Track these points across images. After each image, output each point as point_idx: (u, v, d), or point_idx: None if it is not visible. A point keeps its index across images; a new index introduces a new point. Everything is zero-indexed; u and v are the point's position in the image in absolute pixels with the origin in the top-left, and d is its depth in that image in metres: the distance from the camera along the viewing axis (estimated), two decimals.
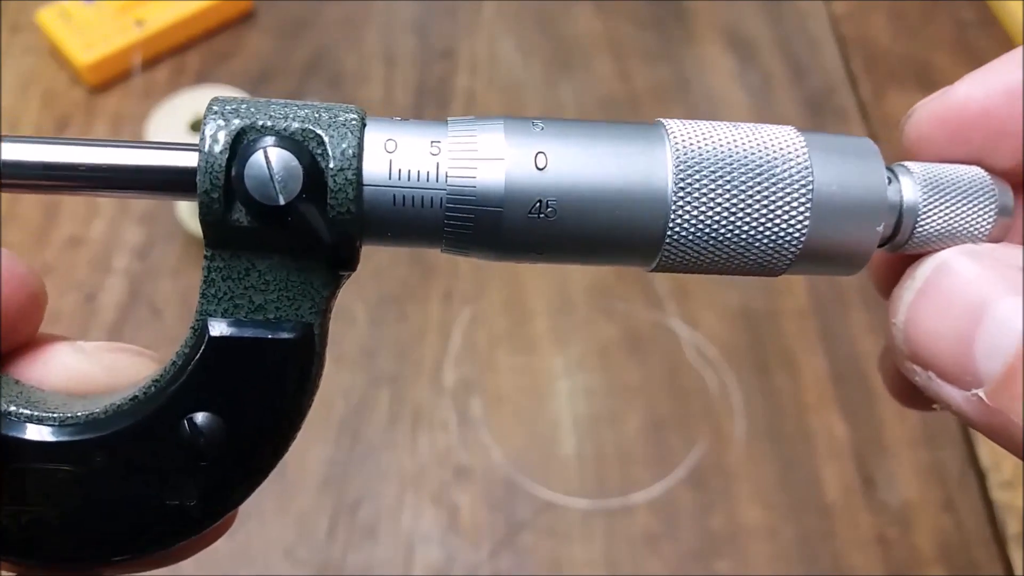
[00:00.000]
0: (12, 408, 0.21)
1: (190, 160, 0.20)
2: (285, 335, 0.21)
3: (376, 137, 0.20)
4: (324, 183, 0.20)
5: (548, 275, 0.61)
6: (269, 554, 0.50)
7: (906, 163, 0.23)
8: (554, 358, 0.58)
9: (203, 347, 0.21)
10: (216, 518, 0.22)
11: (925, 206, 0.22)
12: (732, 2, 0.79)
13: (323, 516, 0.52)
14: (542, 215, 0.20)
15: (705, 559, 0.52)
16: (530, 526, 0.52)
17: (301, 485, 0.52)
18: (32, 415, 0.21)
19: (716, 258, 0.21)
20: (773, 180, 0.21)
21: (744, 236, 0.21)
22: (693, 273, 0.22)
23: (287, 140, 0.20)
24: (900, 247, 0.22)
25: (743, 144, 0.21)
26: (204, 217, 0.20)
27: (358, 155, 0.20)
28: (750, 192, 0.21)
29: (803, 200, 0.21)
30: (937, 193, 0.22)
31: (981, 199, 0.22)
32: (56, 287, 0.58)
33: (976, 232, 0.22)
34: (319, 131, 0.20)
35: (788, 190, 0.21)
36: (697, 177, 0.21)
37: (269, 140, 0.19)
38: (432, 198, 0.20)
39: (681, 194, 0.21)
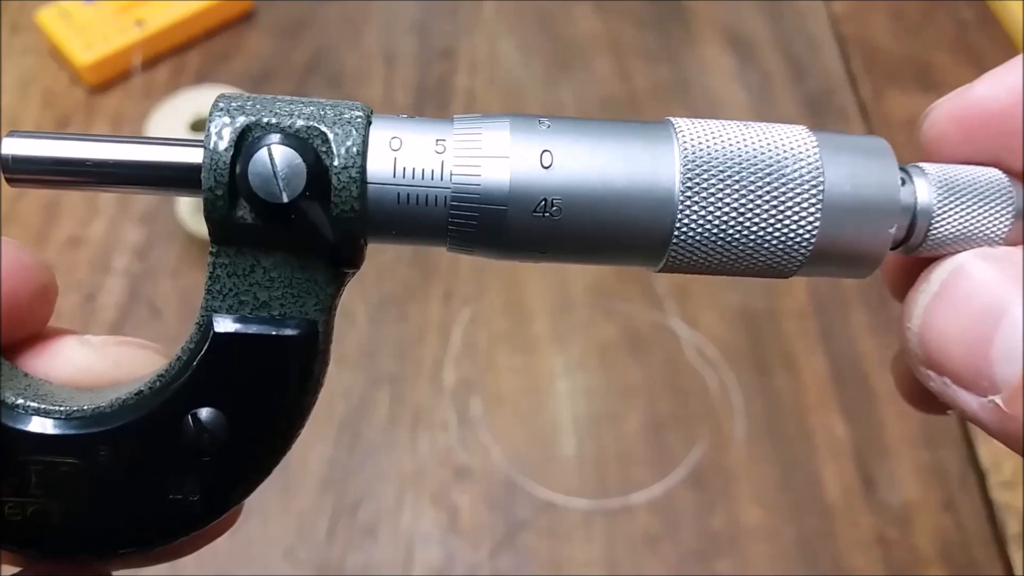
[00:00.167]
0: (20, 401, 0.21)
1: (195, 156, 0.20)
2: (290, 332, 0.21)
3: (381, 135, 0.20)
4: (328, 181, 0.20)
5: (548, 275, 0.61)
6: (269, 554, 0.50)
7: (921, 164, 0.22)
8: (554, 358, 0.58)
9: (208, 343, 0.21)
10: (218, 514, 0.22)
11: (940, 208, 0.21)
12: (732, 2, 0.79)
13: (323, 516, 0.52)
14: (547, 214, 0.20)
15: (705, 559, 0.51)
16: (530, 526, 0.52)
17: (301, 485, 0.52)
18: (39, 408, 0.21)
19: (725, 259, 0.21)
20: (783, 180, 0.21)
21: (753, 237, 0.21)
22: (701, 274, 0.22)
23: (291, 137, 0.20)
24: (914, 249, 0.22)
25: (753, 143, 0.21)
26: (209, 214, 0.20)
27: (362, 153, 0.20)
28: (759, 192, 0.20)
29: (814, 201, 0.21)
30: (952, 195, 0.22)
31: (998, 201, 0.22)
32: None
33: (993, 235, 0.22)
34: (324, 128, 0.20)
35: (798, 190, 0.21)
36: (705, 177, 0.20)
37: (274, 138, 0.19)
38: (436, 196, 0.20)
39: (689, 194, 0.20)
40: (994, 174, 0.22)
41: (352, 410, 0.55)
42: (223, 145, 0.19)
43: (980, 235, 0.22)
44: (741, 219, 0.21)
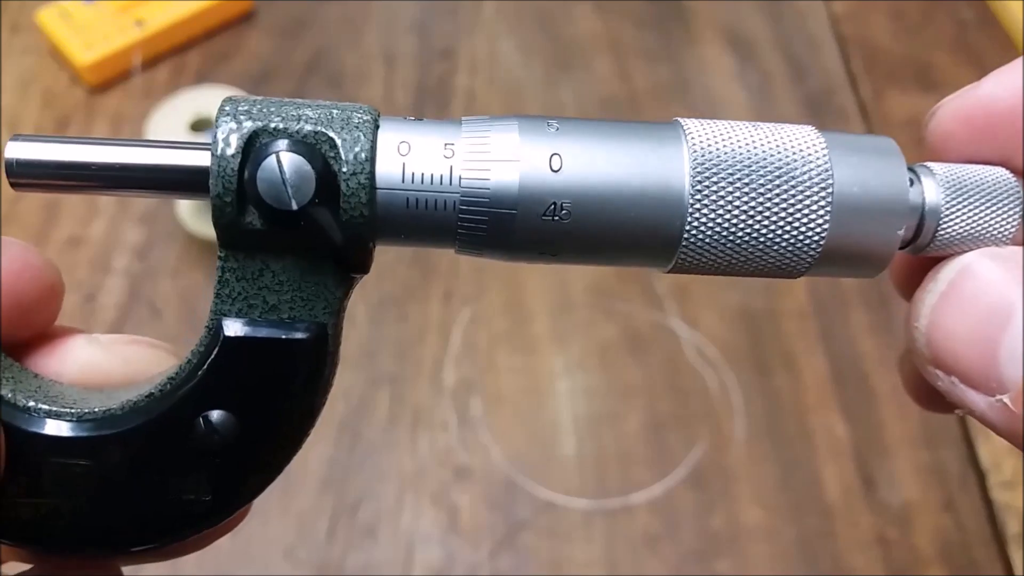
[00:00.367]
0: (32, 403, 0.21)
1: (201, 160, 0.20)
2: (299, 335, 0.21)
3: (389, 139, 0.20)
4: (337, 187, 0.20)
5: (548, 275, 0.61)
6: (269, 554, 0.50)
7: (928, 164, 0.22)
8: (554, 358, 0.58)
9: (218, 346, 0.21)
10: (229, 513, 0.22)
11: (948, 208, 0.21)
12: (732, 2, 0.79)
13: (323, 516, 0.52)
14: (556, 217, 0.20)
15: (705, 559, 0.52)
16: (530, 526, 0.52)
17: (301, 485, 0.52)
18: (51, 410, 0.21)
19: (734, 260, 0.21)
20: (792, 181, 0.21)
21: (763, 238, 0.21)
22: (709, 274, 0.22)
23: (299, 144, 0.19)
24: (922, 249, 0.22)
25: (762, 144, 0.21)
26: (217, 219, 0.20)
27: (371, 159, 0.20)
28: (769, 193, 0.20)
29: (823, 202, 0.21)
30: (960, 194, 0.22)
31: (1005, 201, 0.22)
32: None
33: (1000, 235, 0.22)
34: (332, 134, 0.20)
35: (808, 191, 0.21)
36: (715, 179, 0.20)
37: (282, 144, 0.19)
38: (446, 201, 0.20)
39: (698, 196, 0.20)
40: (1001, 174, 0.22)
41: (352, 410, 0.55)
42: (231, 151, 0.19)
43: (987, 235, 0.22)
44: (751, 221, 0.21)
